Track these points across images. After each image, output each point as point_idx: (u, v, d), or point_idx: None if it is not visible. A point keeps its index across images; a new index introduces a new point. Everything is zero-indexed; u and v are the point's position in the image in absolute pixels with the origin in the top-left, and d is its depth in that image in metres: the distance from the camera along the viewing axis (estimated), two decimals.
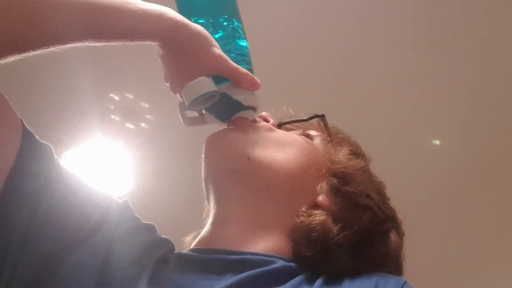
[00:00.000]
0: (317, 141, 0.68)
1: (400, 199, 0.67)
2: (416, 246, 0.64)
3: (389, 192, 0.67)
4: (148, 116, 2.09)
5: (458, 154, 2.25)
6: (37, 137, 0.55)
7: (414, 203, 2.22)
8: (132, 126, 2.13)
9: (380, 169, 0.68)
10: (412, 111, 2.08)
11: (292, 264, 0.56)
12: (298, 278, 0.54)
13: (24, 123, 0.54)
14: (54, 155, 0.56)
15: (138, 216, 0.62)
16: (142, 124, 2.12)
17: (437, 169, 2.30)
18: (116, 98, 2.03)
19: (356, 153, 0.67)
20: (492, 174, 2.33)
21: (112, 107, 2.05)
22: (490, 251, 2.73)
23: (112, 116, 2.08)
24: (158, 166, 2.28)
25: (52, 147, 0.56)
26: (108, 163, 2.25)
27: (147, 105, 2.05)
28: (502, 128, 2.15)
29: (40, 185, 0.52)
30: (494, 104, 2.05)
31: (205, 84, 0.59)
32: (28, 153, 0.52)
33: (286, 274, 0.54)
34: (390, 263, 0.61)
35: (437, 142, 2.23)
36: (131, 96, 2.03)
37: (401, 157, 2.17)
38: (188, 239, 0.70)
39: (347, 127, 0.73)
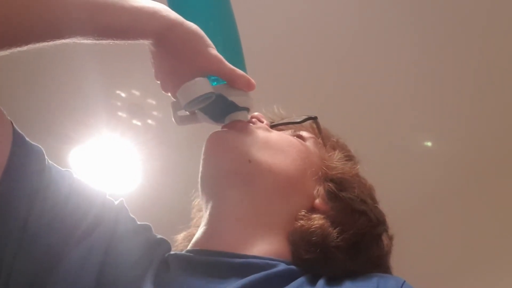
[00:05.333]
0: (309, 143, 0.68)
1: (391, 201, 0.68)
2: (408, 248, 0.65)
3: (380, 193, 0.67)
4: (155, 113, 2.09)
5: (450, 156, 2.24)
6: (27, 138, 0.54)
7: (405, 204, 2.23)
8: (139, 123, 2.13)
9: (371, 171, 0.69)
10: (404, 112, 2.07)
11: (293, 266, 0.56)
12: (300, 280, 0.54)
13: (14, 124, 0.53)
14: (45, 156, 0.55)
15: (133, 216, 0.62)
16: (149, 121, 2.12)
17: (428, 170, 2.29)
18: (123, 94, 2.03)
19: (349, 156, 0.68)
20: (484, 175, 2.32)
21: (119, 103, 2.06)
22: (482, 252, 2.72)
23: (119, 113, 2.09)
24: (165, 162, 2.28)
25: (42, 149, 0.55)
26: (115, 160, 2.26)
27: (154, 102, 2.05)
28: (493, 129, 2.13)
29: (35, 185, 0.52)
30: (486, 105, 2.03)
31: (202, 86, 0.58)
32: (20, 154, 0.52)
33: (288, 277, 0.54)
34: (383, 265, 0.62)
35: (429, 143, 2.23)
36: (137, 93, 2.03)
37: (393, 158, 2.17)
38: (179, 237, 0.71)
39: (337, 128, 0.73)
